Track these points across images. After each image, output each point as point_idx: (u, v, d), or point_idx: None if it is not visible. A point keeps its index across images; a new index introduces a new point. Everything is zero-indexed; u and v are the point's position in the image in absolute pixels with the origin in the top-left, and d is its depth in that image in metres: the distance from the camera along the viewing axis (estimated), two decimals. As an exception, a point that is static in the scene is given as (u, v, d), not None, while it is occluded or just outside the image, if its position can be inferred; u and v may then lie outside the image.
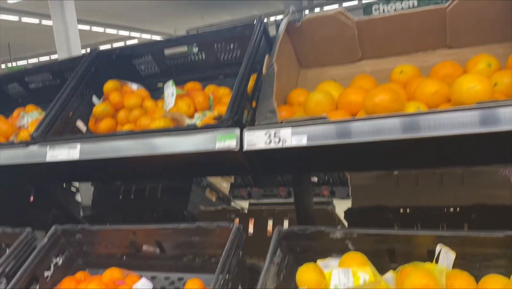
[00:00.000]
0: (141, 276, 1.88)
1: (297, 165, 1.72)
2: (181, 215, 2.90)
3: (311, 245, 1.56)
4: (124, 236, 1.85)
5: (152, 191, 3.13)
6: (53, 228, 1.92)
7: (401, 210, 2.38)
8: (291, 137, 1.40)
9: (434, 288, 1.15)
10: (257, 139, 1.46)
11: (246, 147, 1.47)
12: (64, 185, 3.71)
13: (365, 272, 1.24)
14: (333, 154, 1.54)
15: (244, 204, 3.65)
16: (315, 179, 6.85)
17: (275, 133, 1.43)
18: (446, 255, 1.26)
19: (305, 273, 1.38)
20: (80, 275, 1.93)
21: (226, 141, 1.50)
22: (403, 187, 2.44)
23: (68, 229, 1.92)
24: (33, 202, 3.41)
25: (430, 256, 1.36)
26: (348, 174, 2.62)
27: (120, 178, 2.77)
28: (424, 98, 1.35)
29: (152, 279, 1.89)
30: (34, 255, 1.81)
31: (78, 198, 3.97)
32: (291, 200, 2.47)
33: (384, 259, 1.45)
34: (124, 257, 1.93)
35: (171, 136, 1.61)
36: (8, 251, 1.86)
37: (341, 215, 2.54)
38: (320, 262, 1.39)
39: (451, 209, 2.36)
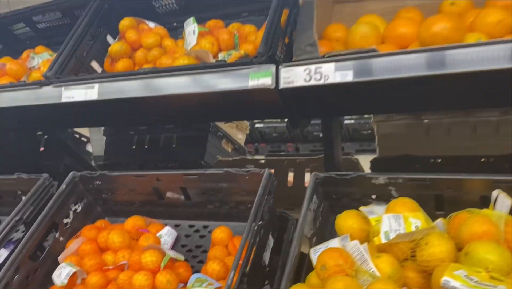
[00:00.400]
0: (164, 224, 1.80)
1: (332, 106, 1.59)
2: (198, 165, 2.80)
3: (348, 191, 1.46)
4: (146, 183, 1.75)
5: (167, 141, 3.02)
6: (70, 174, 1.83)
7: (431, 160, 2.27)
8: (334, 73, 1.27)
9: (495, 234, 1.05)
10: (295, 76, 1.33)
11: (282, 85, 1.34)
12: (75, 135, 3.61)
13: (417, 218, 1.14)
14: (376, 93, 1.41)
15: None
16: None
17: (315, 69, 1.30)
18: (503, 202, 1.15)
19: (347, 220, 1.29)
20: (100, 223, 1.85)
21: (260, 79, 1.37)
22: (433, 136, 2.32)
23: (86, 175, 1.83)
24: (44, 151, 3.33)
25: (483, 203, 1.26)
26: (374, 124, 2.49)
27: (138, 122, 2.62)
28: (486, 28, 1.21)
29: (176, 227, 1.82)
30: (53, 201, 1.72)
31: (89, 148, 3.89)
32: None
33: (429, 206, 1.35)
34: (146, 204, 1.85)
35: (198, 75, 1.47)
36: (25, 197, 1.77)
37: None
38: (363, 209, 1.29)
39: (483, 159, 2.25)
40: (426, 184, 1.33)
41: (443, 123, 2.33)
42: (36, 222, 1.66)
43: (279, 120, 7.07)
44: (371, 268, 1.08)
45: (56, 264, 1.72)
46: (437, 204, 1.34)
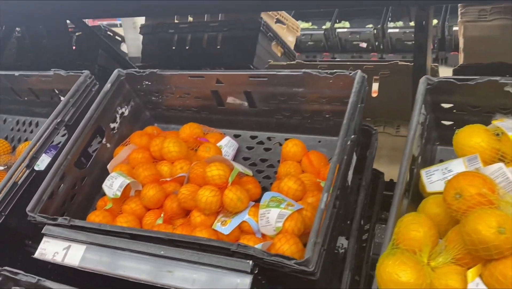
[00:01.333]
0: (224, 134, 1.57)
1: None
2: (246, 69, 2.51)
3: (464, 101, 1.17)
4: (205, 84, 1.49)
5: (210, 41, 2.71)
6: (115, 71, 1.57)
7: (529, 70, 1.93)
8: None
9: None
10: None
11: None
12: (108, 32, 3.32)
13: None
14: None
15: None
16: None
17: None
18: None
19: (472, 136, 1.02)
20: (150, 129, 1.63)
21: None
22: (534, 41, 1.95)
23: (133, 73, 1.57)
24: (76, 50, 3.07)
25: None
26: (461, 24, 2.11)
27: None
28: None
29: (235, 138, 1.59)
30: (98, 102, 1.49)
31: (124, 48, 3.61)
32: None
33: None
34: (202, 111, 1.60)
35: None
36: (65, 97, 1.54)
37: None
38: (498, 123, 1.01)
39: None
40: None
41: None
42: (81, 125, 1.44)
43: (315, 27, 6.54)
44: (523, 201, 0.83)
45: (104, 173, 1.54)
46: None
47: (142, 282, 1.09)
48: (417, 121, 1.09)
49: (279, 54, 2.84)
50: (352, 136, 1.16)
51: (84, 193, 1.48)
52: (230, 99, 1.51)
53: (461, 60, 2.13)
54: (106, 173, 1.55)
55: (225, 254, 1.05)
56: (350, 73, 1.26)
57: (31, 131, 1.95)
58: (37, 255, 1.24)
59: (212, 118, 1.61)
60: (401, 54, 6.03)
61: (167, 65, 2.84)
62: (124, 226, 1.27)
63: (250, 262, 1.01)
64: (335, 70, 1.29)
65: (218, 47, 2.71)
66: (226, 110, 1.55)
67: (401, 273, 0.82)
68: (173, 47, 2.84)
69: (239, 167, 1.31)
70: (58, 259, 1.21)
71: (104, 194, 1.47)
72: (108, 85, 1.54)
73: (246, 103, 1.50)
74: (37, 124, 1.97)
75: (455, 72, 2.01)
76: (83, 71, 1.60)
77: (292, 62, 2.39)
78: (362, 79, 1.23)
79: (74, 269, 1.21)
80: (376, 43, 6.28)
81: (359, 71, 1.24)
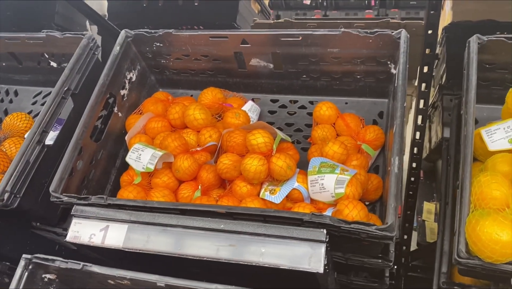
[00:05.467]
0: (245, 98, 1.49)
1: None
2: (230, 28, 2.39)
3: (506, 60, 1.19)
4: (227, 46, 1.39)
5: (187, -2, 2.52)
6: (123, 32, 1.42)
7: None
8: None
9: None
10: None
11: None
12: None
13: None
14: None
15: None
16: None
17: None
18: None
19: None
20: (161, 95, 1.51)
21: None
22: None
23: (143, 34, 1.42)
24: (28, 8, 2.73)
25: None
26: (450, -18, 2.14)
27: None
28: None
29: (256, 102, 1.52)
30: (109, 66, 1.34)
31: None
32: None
33: None
34: (218, 74, 1.50)
35: None
36: (70, 62, 1.37)
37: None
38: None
39: None
40: None
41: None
42: (95, 93, 1.29)
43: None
44: None
45: (118, 144, 1.43)
46: None
47: (208, 259, 1.02)
48: (475, 81, 1.09)
49: (256, 12, 2.73)
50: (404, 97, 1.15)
51: (101, 168, 1.35)
52: (254, 61, 1.42)
53: (450, 18, 2.17)
54: (120, 145, 1.44)
55: (293, 224, 1.02)
56: (393, 32, 1.23)
57: (10, 101, 1.73)
58: (69, 238, 1.12)
59: (229, 82, 1.52)
60: (344, 11, 6.06)
61: (137, 24, 2.62)
62: (168, 202, 1.18)
63: (324, 230, 0.99)
64: (375, 30, 1.25)
65: (196, 4, 2.53)
66: (246, 73, 1.47)
67: (501, 233, 0.84)
68: (144, 4, 2.62)
69: (280, 134, 1.26)
70: (96, 241, 1.11)
71: (121, 167, 1.36)
72: (116, 48, 1.38)
73: (271, 65, 1.42)
74: (16, 93, 1.75)
75: (442, 32, 2.05)
76: (84, 32, 1.43)
77: (280, 21, 2.31)
78: (407, 39, 1.20)
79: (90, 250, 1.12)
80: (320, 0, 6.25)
81: (403, 31, 1.21)
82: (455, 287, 1.18)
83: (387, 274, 1.35)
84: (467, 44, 1.16)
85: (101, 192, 1.35)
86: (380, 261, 1.16)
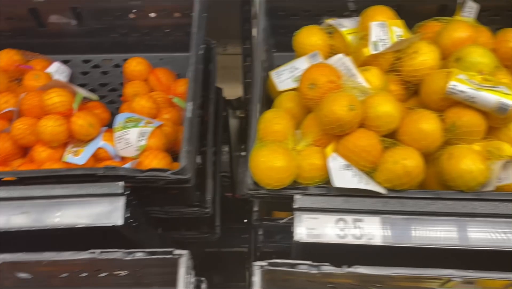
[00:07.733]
0: (51, 59, 1.38)
1: None
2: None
3: (297, 6, 1.27)
4: (19, 2, 1.26)
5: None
6: None
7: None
8: None
9: (476, 39, 1.02)
10: None
11: None
12: None
13: (397, 26, 1.04)
14: None
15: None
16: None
17: None
18: (471, 7, 1.11)
19: (310, 37, 1.11)
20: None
21: None
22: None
23: None
24: None
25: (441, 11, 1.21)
26: None
27: None
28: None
29: (65, 63, 1.41)
30: None
31: None
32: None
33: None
34: (17, 36, 1.36)
35: None
36: None
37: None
38: (332, 22, 1.12)
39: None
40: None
41: None
42: None
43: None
44: (361, 82, 0.98)
45: None
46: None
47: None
48: (263, 25, 1.14)
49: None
50: (202, 46, 1.16)
51: None
52: (53, 18, 1.32)
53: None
54: None
55: (90, 182, 0.98)
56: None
57: None
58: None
59: (32, 43, 1.38)
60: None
61: None
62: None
63: (120, 183, 0.97)
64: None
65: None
66: (49, 32, 1.36)
67: (275, 160, 0.90)
68: None
69: (82, 92, 1.19)
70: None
71: None
72: None
73: (74, 22, 1.33)
74: None
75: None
76: None
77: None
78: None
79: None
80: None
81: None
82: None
83: (217, 223, 1.38)
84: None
85: None
86: (196, 209, 1.19)
